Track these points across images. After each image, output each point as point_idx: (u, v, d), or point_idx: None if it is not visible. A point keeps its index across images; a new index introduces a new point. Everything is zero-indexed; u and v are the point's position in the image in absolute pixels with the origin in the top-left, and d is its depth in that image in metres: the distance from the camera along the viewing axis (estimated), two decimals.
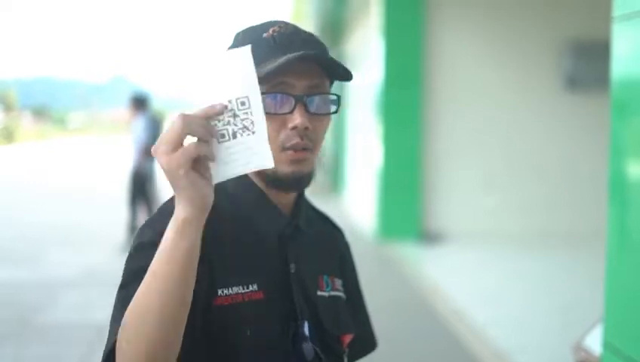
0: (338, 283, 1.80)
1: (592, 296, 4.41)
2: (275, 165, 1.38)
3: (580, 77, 10.88)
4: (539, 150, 11.08)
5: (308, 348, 1.61)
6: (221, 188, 1.45)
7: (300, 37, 1.57)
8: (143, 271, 1.40)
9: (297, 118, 1.50)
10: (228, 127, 1.33)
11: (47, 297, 7.68)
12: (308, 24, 17.91)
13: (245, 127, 1.32)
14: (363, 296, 1.97)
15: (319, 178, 17.25)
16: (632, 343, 2.98)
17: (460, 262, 9.41)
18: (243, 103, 1.32)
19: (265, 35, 1.55)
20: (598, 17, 7.08)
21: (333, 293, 1.76)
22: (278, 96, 1.51)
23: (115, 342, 1.39)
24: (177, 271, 1.33)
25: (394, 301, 7.40)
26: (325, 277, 1.76)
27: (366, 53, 12.50)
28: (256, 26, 1.59)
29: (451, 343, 6.03)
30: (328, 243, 1.84)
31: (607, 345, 3.18)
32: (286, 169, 1.53)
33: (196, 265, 1.36)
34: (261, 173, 1.57)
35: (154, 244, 1.40)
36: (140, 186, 10.16)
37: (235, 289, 1.54)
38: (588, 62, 10.65)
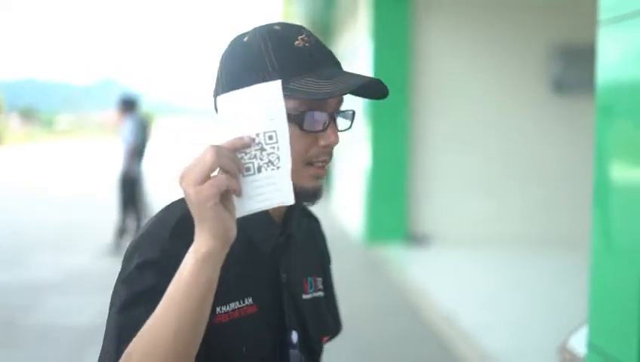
0: (319, 281, 1.80)
1: (578, 299, 4.42)
2: (295, 179, 1.37)
3: (567, 80, 10.92)
4: (525, 153, 11.11)
5: (295, 356, 1.61)
6: None
7: (326, 49, 1.55)
8: (145, 293, 1.39)
9: (332, 137, 1.49)
10: (254, 160, 1.31)
11: (31, 299, 7.65)
12: (301, 18, 17.89)
13: (270, 161, 1.31)
14: (333, 282, 1.96)
15: None
16: (616, 344, 3.00)
17: (446, 265, 9.43)
18: (270, 137, 1.30)
19: (296, 43, 1.50)
20: (586, 21, 7.11)
21: (315, 294, 1.76)
22: (316, 113, 1.48)
23: None
24: (195, 306, 1.30)
25: (381, 304, 7.40)
26: (309, 279, 1.75)
27: (354, 55, 12.52)
28: (280, 31, 1.52)
29: (439, 347, 6.04)
30: (310, 240, 1.83)
31: (591, 345, 3.20)
32: (308, 184, 1.52)
33: (212, 298, 1.33)
34: None
35: (156, 264, 1.40)
36: (129, 189, 10.15)
37: (232, 306, 1.53)
38: (576, 66, 10.69)
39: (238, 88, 1.38)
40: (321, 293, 1.79)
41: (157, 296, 1.34)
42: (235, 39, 1.57)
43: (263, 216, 1.58)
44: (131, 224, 10.19)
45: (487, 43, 11.03)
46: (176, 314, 1.30)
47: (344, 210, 13.76)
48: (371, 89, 1.55)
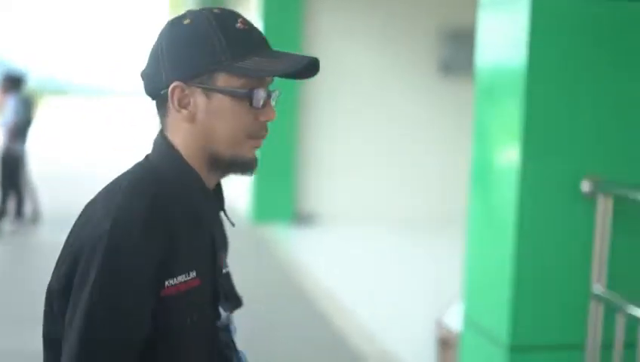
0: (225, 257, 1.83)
1: (455, 277, 4.55)
2: (238, 151, 1.57)
3: (455, 63, 11.11)
4: (412, 134, 11.30)
5: (231, 330, 1.69)
6: (161, 173, 1.57)
7: (260, 32, 1.64)
8: (127, 316, 1.47)
9: (271, 113, 1.60)
10: None
11: None
12: (188, 4, 17.70)
13: None
14: None
15: None
16: (490, 317, 3.11)
17: (331, 244, 9.53)
18: None
19: (237, 25, 1.59)
20: (474, 5, 7.27)
21: (228, 269, 1.80)
22: (260, 91, 1.57)
23: None
24: None
25: (266, 282, 7.43)
26: (224, 254, 1.79)
27: None
28: (221, 14, 1.59)
29: (322, 324, 6.10)
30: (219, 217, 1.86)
31: (467, 319, 3.31)
32: (249, 155, 1.61)
33: None
34: (212, 159, 1.60)
35: (145, 280, 1.48)
36: (11, 169, 9.76)
37: (180, 279, 1.55)
38: (462, 49, 10.88)
39: (185, 67, 1.54)
40: (229, 269, 1.82)
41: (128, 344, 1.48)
42: (173, 22, 1.61)
43: (206, 189, 1.63)
44: (12, 206, 9.84)
45: (377, 26, 11.14)
46: None
47: (231, 188, 13.70)
48: (306, 68, 1.62)
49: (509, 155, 2.97)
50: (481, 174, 3.28)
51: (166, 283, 1.52)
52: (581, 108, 2.94)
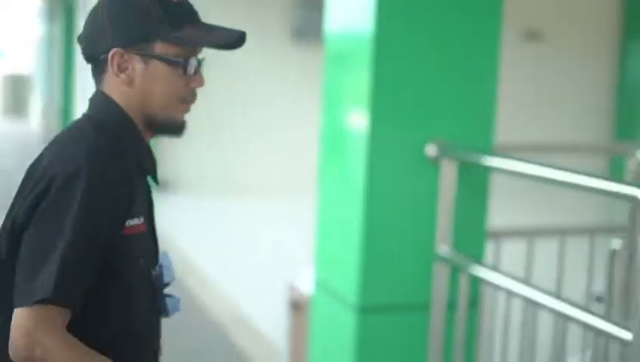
0: None
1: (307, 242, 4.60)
2: (170, 114, 1.72)
3: (307, 28, 11.12)
4: (268, 100, 11.30)
5: (161, 280, 1.80)
6: (109, 124, 1.68)
7: (193, 6, 1.78)
8: (93, 243, 1.55)
9: (202, 80, 1.75)
10: None
11: None
12: None
13: None
14: None
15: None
16: (339, 280, 3.17)
17: (189, 212, 9.47)
18: None
19: None
20: None
21: None
22: (193, 60, 1.73)
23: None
24: None
25: None
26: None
27: (84, 6, 12.07)
28: None
29: (180, 293, 6.05)
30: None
31: (317, 282, 3.35)
32: (180, 118, 1.76)
33: None
34: (147, 120, 1.73)
35: (118, 213, 1.60)
36: None
37: (136, 221, 1.67)
38: (315, 13, 10.92)
39: (124, 34, 1.67)
40: None
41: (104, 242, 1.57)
42: None
43: (146, 145, 1.78)
44: None
45: None
46: None
47: None
48: (235, 41, 1.79)
49: (358, 121, 3.01)
50: (331, 140, 3.32)
51: (127, 222, 1.64)
52: (428, 74, 3.01)
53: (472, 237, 3.10)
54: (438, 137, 2.97)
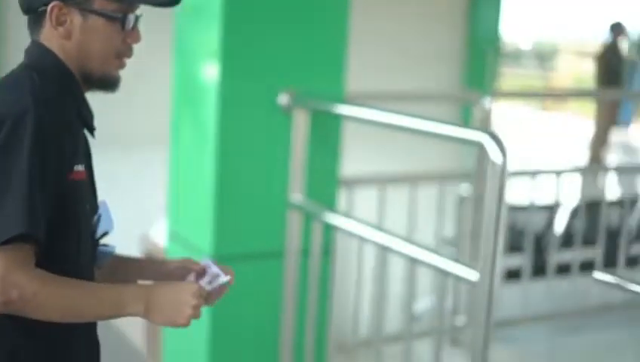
0: None
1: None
2: (106, 69, 1.73)
3: None
4: (137, 54, 11.02)
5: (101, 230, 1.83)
6: (48, 73, 1.67)
7: None
8: (48, 172, 1.55)
9: (139, 36, 1.77)
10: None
11: None
12: None
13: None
14: None
15: None
16: (194, 231, 3.15)
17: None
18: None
19: None
20: None
21: None
22: (131, 16, 1.74)
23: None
24: (106, 317, 1.64)
25: None
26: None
27: None
28: None
29: None
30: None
31: (171, 233, 3.32)
32: (115, 73, 1.77)
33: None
34: (85, 73, 1.73)
35: (66, 153, 1.60)
36: None
37: (80, 167, 1.67)
38: None
39: None
40: None
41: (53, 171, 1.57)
42: None
43: (84, 98, 1.77)
44: None
45: None
46: (93, 310, 1.61)
47: None
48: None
49: (210, 72, 2.98)
50: (183, 91, 3.27)
51: (74, 167, 1.65)
52: (279, 25, 3.00)
53: (325, 185, 3.13)
54: (291, 87, 2.98)
